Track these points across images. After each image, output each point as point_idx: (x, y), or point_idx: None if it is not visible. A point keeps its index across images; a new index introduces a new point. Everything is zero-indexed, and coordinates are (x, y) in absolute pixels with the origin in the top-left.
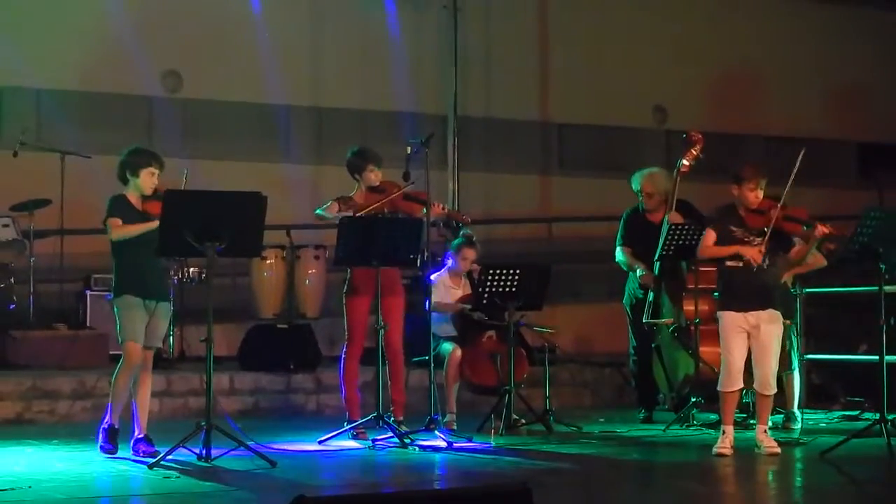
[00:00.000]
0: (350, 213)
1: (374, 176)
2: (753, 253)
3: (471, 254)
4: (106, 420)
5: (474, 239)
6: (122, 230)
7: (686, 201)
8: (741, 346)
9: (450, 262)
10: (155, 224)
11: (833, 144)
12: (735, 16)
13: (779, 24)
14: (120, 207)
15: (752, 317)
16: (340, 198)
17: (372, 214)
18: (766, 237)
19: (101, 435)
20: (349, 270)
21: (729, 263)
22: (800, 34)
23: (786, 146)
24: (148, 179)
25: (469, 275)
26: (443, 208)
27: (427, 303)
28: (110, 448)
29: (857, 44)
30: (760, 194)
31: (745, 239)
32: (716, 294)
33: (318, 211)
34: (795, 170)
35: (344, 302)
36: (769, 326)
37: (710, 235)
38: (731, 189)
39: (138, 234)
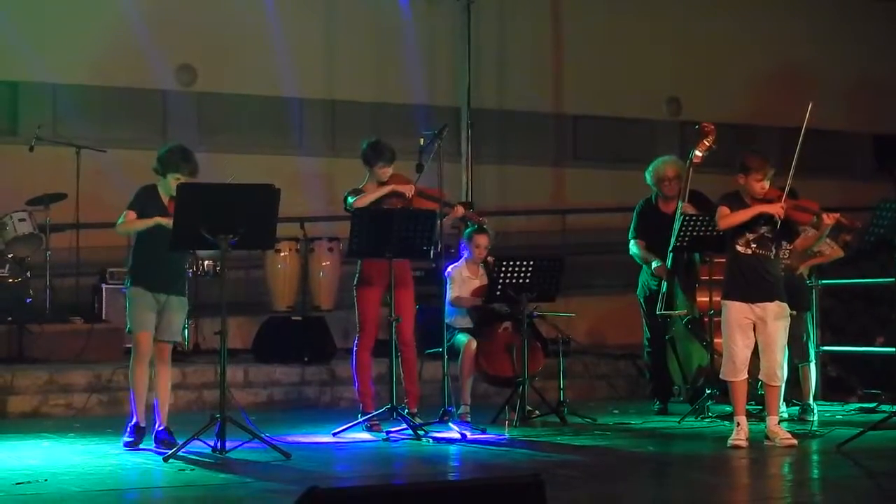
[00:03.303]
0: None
1: (383, 172)
2: (776, 208)
3: (483, 240)
4: (134, 419)
5: (485, 225)
6: (126, 225)
7: (699, 192)
8: (746, 336)
9: (465, 253)
10: (153, 221)
11: (849, 136)
12: (750, 8)
13: (793, 16)
14: (143, 199)
15: (759, 308)
16: (353, 191)
17: (386, 206)
18: (777, 225)
19: (127, 430)
20: (359, 262)
21: (739, 250)
22: (815, 26)
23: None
24: (174, 183)
25: (486, 265)
26: (461, 210)
27: (446, 295)
28: (132, 440)
29: (873, 36)
30: (767, 185)
31: (753, 227)
32: None
33: (352, 202)
34: (802, 131)
35: (355, 294)
36: (776, 321)
37: (724, 209)
38: (737, 178)
39: (142, 229)
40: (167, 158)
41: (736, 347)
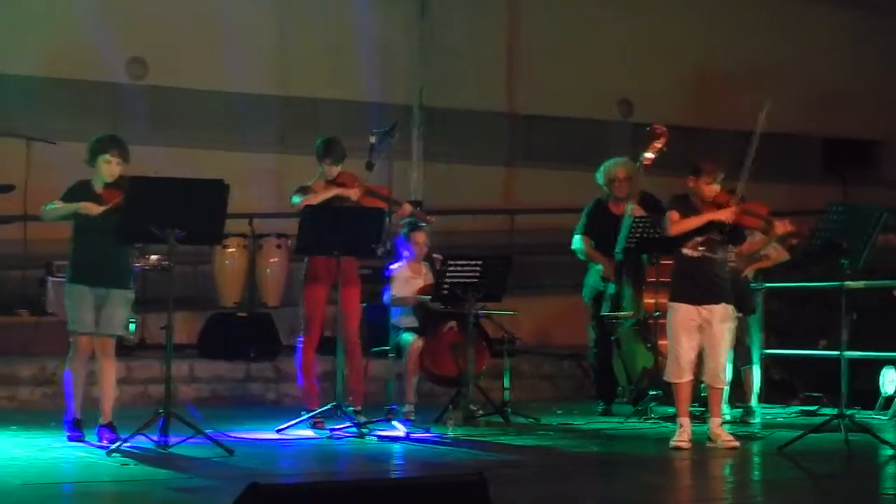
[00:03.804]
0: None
1: (329, 170)
2: (727, 214)
3: (421, 237)
4: (68, 413)
5: (425, 224)
6: (51, 210)
7: (649, 194)
8: (692, 338)
9: (406, 253)
10: (74, 206)
11: (799, 140)
12: (702, 11)
13: (746, 20)
14: (74, 193)
15: (706, 310)
16: (301, 189)
17: (335, 204)
18: (726, 229)
19: (65, 426)
20: (307, 259)
21: (686, 252)
22: (766, 29)
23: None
24: (105, 167)
25: (431, 264)
26: (408, 209)
27: (385, 294)
28: (77, 435)
29: (824, 40)
30: (717, 188)
31: (705, 231)
32: None
33: (297, 201)
34: (756, 136)
35: (302, 291)
36: (722, 324)
37: (674, 214)
38: (687, 181)
39: (62, 215)
40: (96, 143)
41: (681, 349)
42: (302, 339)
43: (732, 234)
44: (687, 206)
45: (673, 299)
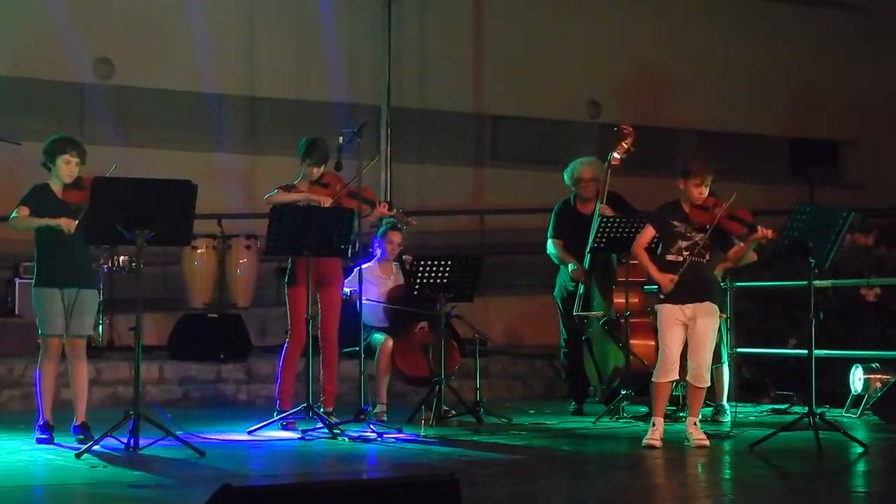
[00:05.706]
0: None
1: (310, 171)
2: (665, 282)
3: (396, 237)
4: (41, 419)
5: (404, 225)
6: (20, 220)
7: (617, 193)
8: (678, 337)
9: (378, 252)
10: (44, 221)
11: (765, 140)
12: (669, 12)
13: (713, 21)
14: (36, 196)
15: (689, 309)
16: (284, 186)
17: (305, 204)
18: (708, 234)
19: (36, 429)
20: (290, 260)
21: (669, 258)
22: (734, 31)
23: (718, 141)
24: (64, 167)
25: (401, 264)
26: (388, 209)
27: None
28: (46, 438)
29: (790, 41)
30: (705, 191)
31: (687, 234)
32: (646, 287)
33: (267, 196)
34: (731, 200)
35: (286, 292)
36: (706, 319)
37: (647, 232)
38: (677, 183)
39: (33, 227)
40: (53, 145)
41: (667, 348)
42: (288, 339)
43: (719, 240)
44: (675, 212)
45: (659, 301)
